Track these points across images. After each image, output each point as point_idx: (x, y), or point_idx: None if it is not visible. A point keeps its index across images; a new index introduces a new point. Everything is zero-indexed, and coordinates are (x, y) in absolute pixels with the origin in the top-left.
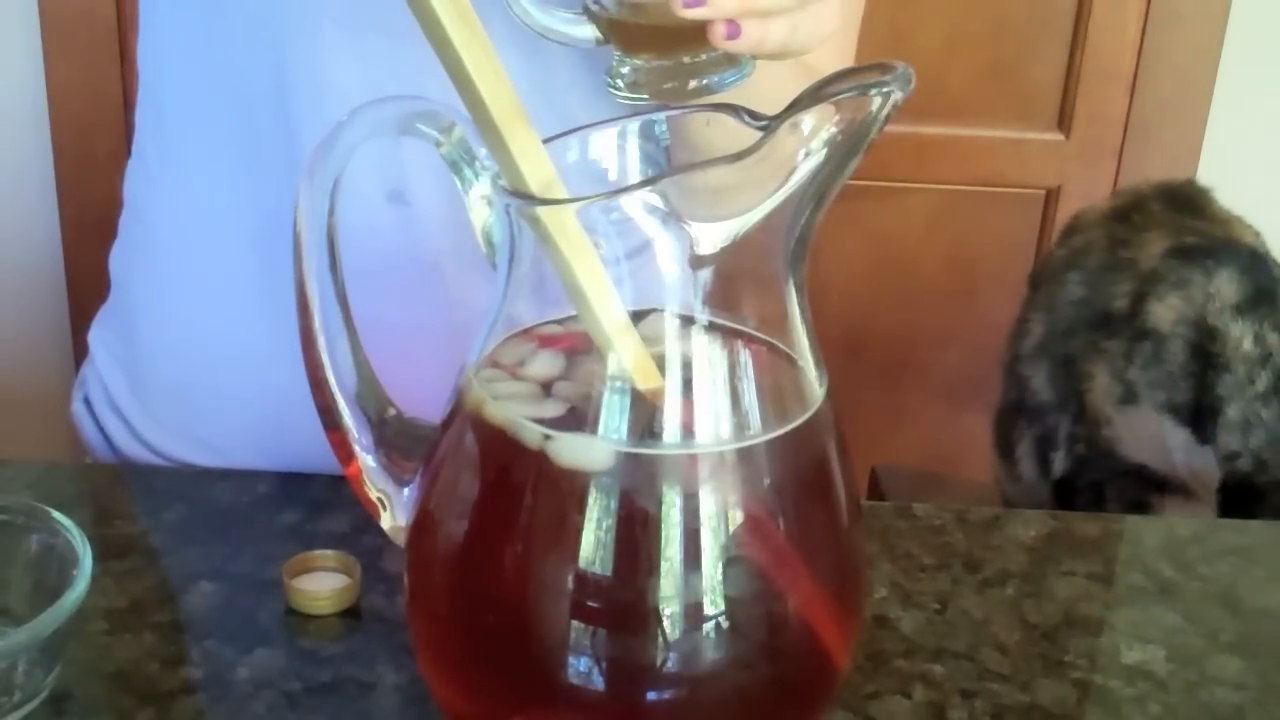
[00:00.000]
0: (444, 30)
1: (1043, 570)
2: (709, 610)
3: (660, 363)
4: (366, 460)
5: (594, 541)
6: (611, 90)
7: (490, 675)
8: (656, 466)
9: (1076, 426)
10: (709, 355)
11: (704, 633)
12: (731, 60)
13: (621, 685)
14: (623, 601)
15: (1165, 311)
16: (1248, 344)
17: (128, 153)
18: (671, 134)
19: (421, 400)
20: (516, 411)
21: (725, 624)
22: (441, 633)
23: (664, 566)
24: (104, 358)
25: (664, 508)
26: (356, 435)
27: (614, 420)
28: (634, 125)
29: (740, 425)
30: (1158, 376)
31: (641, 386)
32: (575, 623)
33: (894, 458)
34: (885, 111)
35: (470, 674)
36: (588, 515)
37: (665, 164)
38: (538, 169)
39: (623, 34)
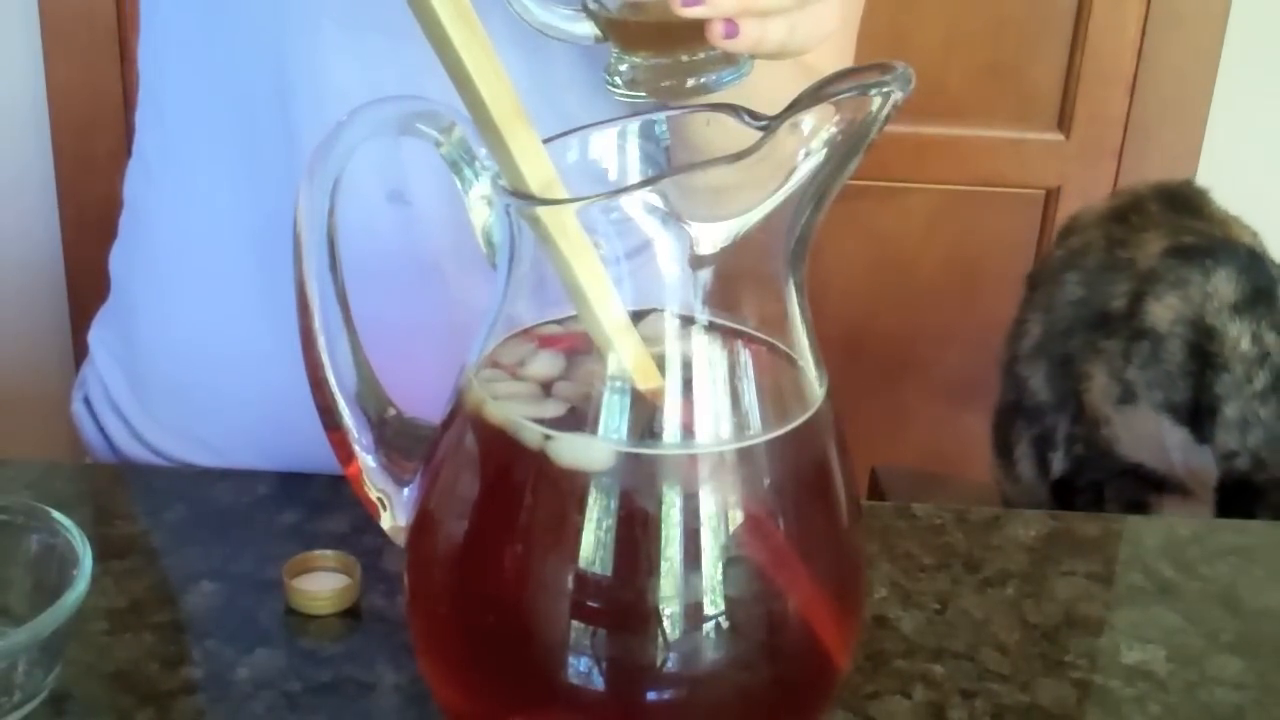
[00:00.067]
0: (444, 30)
1: (1043, 570)
2: (709, 610)
3: (660, 363)
4: (366, 460)
5: (594, 541)
6: (609, 88)
7: (490, 675)
8: (656, 466)
9: (1075, 426)
10: (709, 355)
11: (704, 633)
12: (730, 59)
13: (621, 685)
14: (623, 601)
15: (1163, 311)
16: (1245, 343)
17: (128, 153)
18: (671, 134)
19: (421, 400)
20: (516, 411)
21: (725, 624)
22: (441, 633)
23: (664, 566)
24: (104, 358)
25: (664, 508)
26: (356, 435)
27: (614, 420)
28: (634, 125)
29: (740, 425)
30: (1156, 376)
31: (641, 386)
32: (575, 623)
33: (894, 458)
34: (885, 111)
35: (470, 674)
36: (588, 515)
37: (665, 164)
38: (538, 169)
39: (621, 31)
